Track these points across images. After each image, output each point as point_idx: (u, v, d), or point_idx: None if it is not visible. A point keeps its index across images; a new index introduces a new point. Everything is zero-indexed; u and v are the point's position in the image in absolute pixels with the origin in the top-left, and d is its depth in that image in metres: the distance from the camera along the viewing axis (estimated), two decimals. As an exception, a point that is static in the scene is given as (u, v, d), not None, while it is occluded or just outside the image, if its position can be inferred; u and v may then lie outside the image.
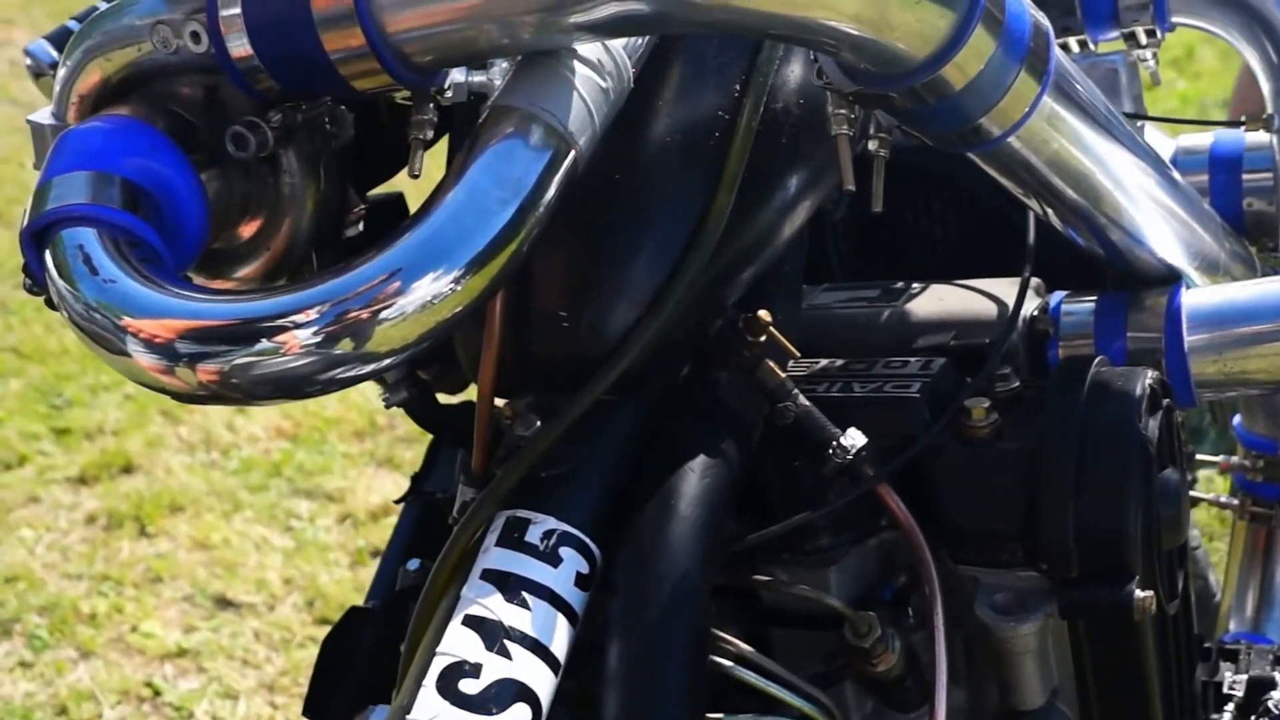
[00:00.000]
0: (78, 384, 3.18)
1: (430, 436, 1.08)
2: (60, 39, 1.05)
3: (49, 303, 0.74)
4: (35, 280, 0.74)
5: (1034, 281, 1.02)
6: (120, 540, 2.65)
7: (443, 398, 0.97)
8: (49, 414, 3.08)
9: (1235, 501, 1.58)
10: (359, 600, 2.41)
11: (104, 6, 1.04)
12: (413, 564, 0.91)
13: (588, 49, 0.76)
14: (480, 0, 0.69)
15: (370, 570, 2.54)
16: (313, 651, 2.35)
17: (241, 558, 2.59)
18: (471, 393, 0.98)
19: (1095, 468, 0.84)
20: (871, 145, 0.80)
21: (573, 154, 0.73)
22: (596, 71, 0.75)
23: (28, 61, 1.05)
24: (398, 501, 1.07)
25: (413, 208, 0.75)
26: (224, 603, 2.48)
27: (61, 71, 0.81)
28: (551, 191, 0.72)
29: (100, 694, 2.30)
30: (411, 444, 2.85)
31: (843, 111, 0.77)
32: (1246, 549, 1.59)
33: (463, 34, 0.70)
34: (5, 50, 5.83)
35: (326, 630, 0.98)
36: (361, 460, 2.86)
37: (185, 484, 2.81)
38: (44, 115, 0.86)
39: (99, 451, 2.91)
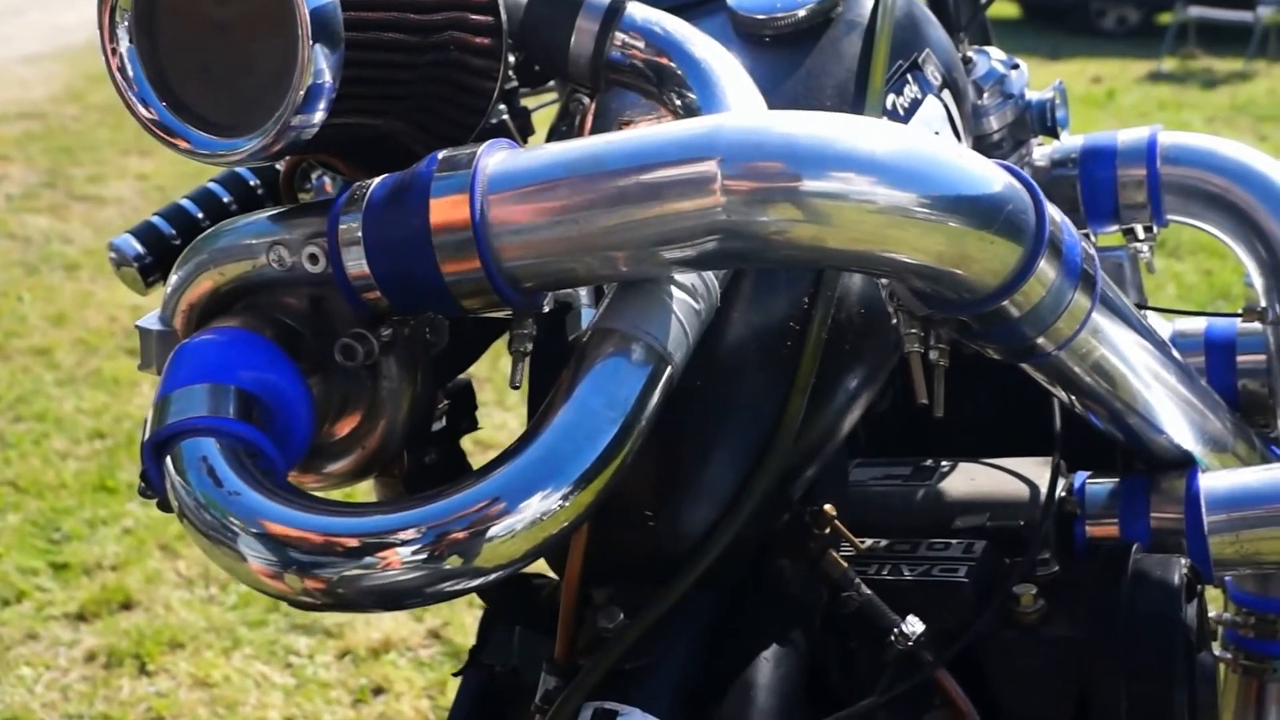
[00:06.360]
0: (76, 518, 3.18)
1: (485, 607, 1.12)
2: (144, 234, 1.09)
3: (162, 505, 0.77)
4: (152, 487, 0.76)
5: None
6: (120, 679, 2.64)
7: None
8: (47, 549, 3.07)
9: (1229, 655, 1.63)
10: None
11: (187, 204, 1.10)
12: (483, 744, 0.94)
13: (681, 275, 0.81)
14: (589, 234, 0.74)
15: (373, 709, 2.55)
16: (318, 797, 2.36)
17: (242, 695, 2.58)
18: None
19: (1143, 656, 0.89)
20: (933, 355, 0.85)
21: (669, 370, 0.78)
22: (689, 294, 0.80)
23: (112, 255, 1.09)
24: (455, 674, 1.09)
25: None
26: (226, 745, 2.48)
27: (173, 279, 0.85)
28: (652, 406, 0.76)
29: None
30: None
31: (914, 331, 0.83)
32: (1239, 700, 1.64)
33: (570, 264, 0.75)
34: (2, 186, 5.87)
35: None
36: (358, 594, 2.86)
37: (184, 620, 2.80)
38: (151, 320, 0.90)
39: (99, 587, 2.89)
